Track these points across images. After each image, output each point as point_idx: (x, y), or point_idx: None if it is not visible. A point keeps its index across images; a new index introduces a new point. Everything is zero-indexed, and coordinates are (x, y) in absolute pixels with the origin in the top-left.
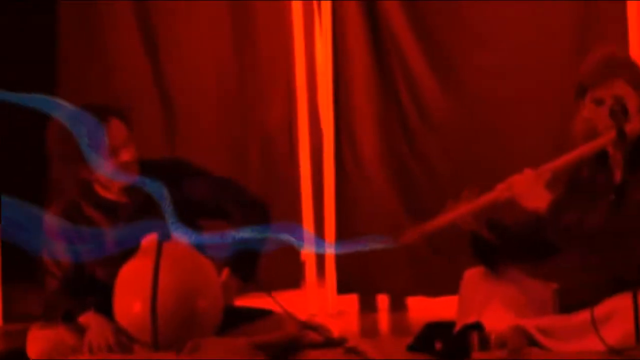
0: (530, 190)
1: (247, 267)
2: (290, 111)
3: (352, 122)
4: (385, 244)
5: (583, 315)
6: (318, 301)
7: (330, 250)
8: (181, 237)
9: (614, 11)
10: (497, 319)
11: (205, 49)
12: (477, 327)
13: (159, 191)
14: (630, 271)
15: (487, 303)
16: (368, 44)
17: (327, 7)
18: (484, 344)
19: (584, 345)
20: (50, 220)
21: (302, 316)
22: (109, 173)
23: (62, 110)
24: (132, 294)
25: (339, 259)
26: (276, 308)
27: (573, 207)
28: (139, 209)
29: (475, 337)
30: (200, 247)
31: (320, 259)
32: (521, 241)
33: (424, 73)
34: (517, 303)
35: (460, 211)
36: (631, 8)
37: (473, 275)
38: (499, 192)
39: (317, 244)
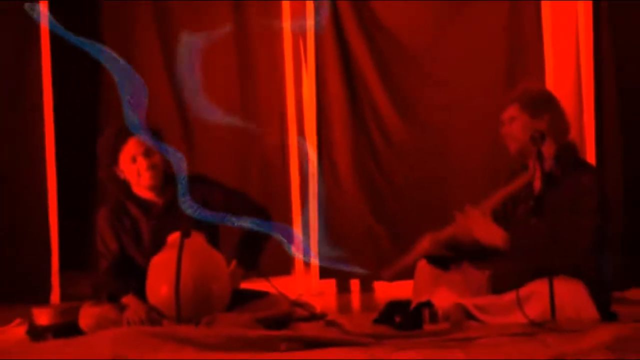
0: (483, 229)
1: (249, 259)
2: (283, 137)
3: (331, 147)
4: (363, 271)
5: (510, 296)
6: (304, 284)
7: (314, 262)
8: (187, 210)
9: (535, 55)
10: (444, 299)
11: (218, 91)
12: (428, 305)
13: (179, 163)
14: (548, 263)
15: (436, 286)
16: (344, 87)
17: (311, 58)
18: (433, 318)
19: (511, 319)
20: (103, 215)
21: (292, 296)
22: (140, 133)
23: (112, 62)
24: (160, 280)
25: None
26: (272, 290)
27: (510, 222)
28: (168, 208)
29: (426, 313)
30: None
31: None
32: (470, 252)
33: (388, 109)
34: (459, 286)
35: (425, 248)
36: (547, 53)
37: (425, 265)
38: (456, 230)
39: (304, 253)
